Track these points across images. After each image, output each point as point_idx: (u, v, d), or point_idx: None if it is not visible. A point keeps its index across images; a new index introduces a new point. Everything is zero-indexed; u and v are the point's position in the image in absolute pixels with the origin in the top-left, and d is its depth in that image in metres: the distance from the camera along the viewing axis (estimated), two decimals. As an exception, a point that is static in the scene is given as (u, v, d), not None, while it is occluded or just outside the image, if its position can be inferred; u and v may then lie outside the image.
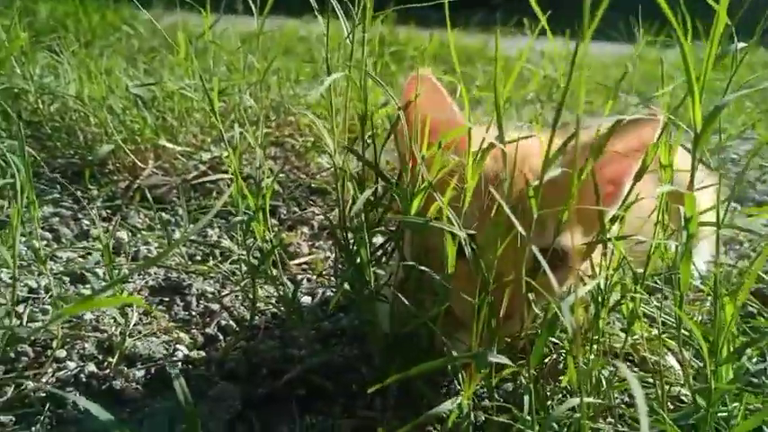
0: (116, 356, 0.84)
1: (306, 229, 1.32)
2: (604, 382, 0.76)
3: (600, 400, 0.69)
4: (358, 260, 0.78)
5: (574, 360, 0.64)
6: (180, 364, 0.85)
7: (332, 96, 0.77)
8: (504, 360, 0.58)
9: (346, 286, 0.80)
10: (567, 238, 0.71)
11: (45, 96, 1.69)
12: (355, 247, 0.76)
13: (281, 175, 1.52)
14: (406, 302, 0.73)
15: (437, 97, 0.74)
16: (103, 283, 1.02)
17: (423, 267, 0.69)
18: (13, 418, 0.75)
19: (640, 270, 0.78)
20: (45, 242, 1.19)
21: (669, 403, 0.81)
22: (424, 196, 0.71)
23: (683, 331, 0.72)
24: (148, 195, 1.30)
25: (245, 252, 0.89)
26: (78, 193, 1.40)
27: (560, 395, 0.78)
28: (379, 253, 0.86)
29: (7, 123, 1.59)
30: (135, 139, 1.54)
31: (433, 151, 0.68)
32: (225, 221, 1.33)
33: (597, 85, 2.35)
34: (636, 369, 0.88)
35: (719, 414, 0.72)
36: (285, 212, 1.39)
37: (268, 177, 0.91)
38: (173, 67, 2.11)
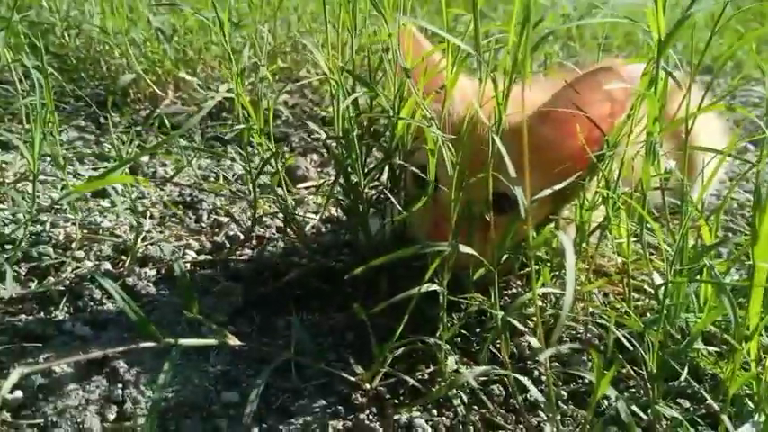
0: (129, 257, 0.91)
1: (315, 157, 1.37)
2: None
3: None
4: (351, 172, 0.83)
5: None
6: (188, 265, 0.92)
7: (325, 15, 0.80)
8: (470, 251, 0.63)
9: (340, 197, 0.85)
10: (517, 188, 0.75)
11: (71, 30, 1.74)
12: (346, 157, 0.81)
13: (294, 107, 1.57)
14: (397, 205, 0.79)
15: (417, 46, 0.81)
16: (121, 198, 1.09)
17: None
18: (36, 306, 0.82)
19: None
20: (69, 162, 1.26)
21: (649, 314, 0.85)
22: (411, 108, 0.76)
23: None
24: (167, 122, 1.36)
25: (248, 166, 0.94)
26: (101, 120, 1.46)
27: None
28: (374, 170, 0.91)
29: (36, 57, 1.65)
30: (156, 70, 1.59)
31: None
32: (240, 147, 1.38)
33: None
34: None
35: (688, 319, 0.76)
36: (297, 141, 1.44)
37: (273, 98, 0.96)
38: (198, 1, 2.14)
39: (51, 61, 1.66)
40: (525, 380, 0.62)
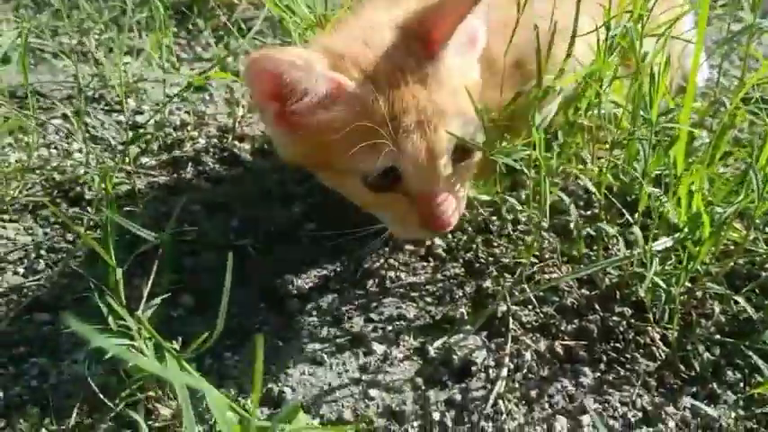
0: (230, 136, 1.23)
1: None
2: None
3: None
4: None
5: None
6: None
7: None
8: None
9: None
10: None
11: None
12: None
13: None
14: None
15: None
16: (218, 92, 1.39)
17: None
18: (171, 170, 1.16)
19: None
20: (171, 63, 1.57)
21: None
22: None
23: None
24: (243, 26, 1.64)
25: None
26: (189, 26, 1.75)
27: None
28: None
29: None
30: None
31: None
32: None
33: None
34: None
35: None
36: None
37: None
38: None
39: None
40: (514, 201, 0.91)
